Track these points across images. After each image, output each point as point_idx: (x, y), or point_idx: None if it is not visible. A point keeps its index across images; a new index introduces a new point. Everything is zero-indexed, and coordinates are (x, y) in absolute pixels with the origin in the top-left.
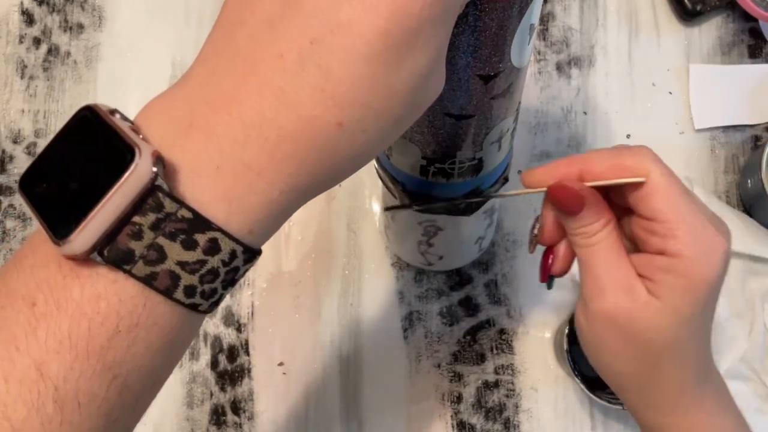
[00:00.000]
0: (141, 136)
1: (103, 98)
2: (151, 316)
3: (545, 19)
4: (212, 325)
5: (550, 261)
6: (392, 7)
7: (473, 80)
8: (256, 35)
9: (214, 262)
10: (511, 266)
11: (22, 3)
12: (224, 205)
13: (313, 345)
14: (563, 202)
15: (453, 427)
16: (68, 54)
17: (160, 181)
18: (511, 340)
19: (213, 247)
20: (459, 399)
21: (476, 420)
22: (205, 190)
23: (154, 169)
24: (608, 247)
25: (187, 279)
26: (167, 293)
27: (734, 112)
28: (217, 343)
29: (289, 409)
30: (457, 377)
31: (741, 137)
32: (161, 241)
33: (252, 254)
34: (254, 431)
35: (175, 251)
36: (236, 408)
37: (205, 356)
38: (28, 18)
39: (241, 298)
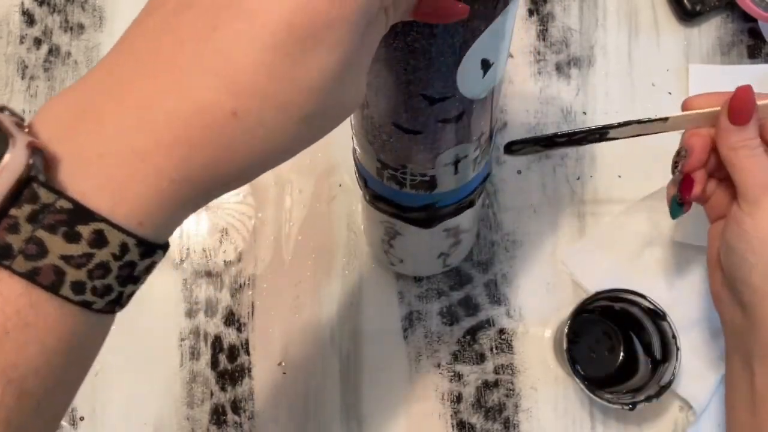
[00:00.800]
0: (27, 130)
1: None
2: (41, 315)
3: (545, 19)
4: (212, 325)
5: (692, 184)
6: (299, 0)
7: (417, 98)
8: (162, 24)
9: (102, 255)
10: (511, 266)
11: (22, 3)
12: (107, 194)
13: (313, 345)
14: (744, 107)
15: (453, 426)
16: (69, 54)
17: (36, 172)
18: (511, 340)
19: (99, 240)
20: (459, 399)
21: (476, 420)
22: (86, 179)
23: (31, 161)
24: (766, 157)
25: (73, 274)
26: (53, 289)
27: None
28: (217, 343)
29: (289, 409)
30: (457, 377)
31: None
32: (40, 234)
33: (149, 248)
34: (254, 431)
35: (57, 245)
36: (236, 407)
37: (205, 356)
38: (29, 18)
39: (241, 298)
